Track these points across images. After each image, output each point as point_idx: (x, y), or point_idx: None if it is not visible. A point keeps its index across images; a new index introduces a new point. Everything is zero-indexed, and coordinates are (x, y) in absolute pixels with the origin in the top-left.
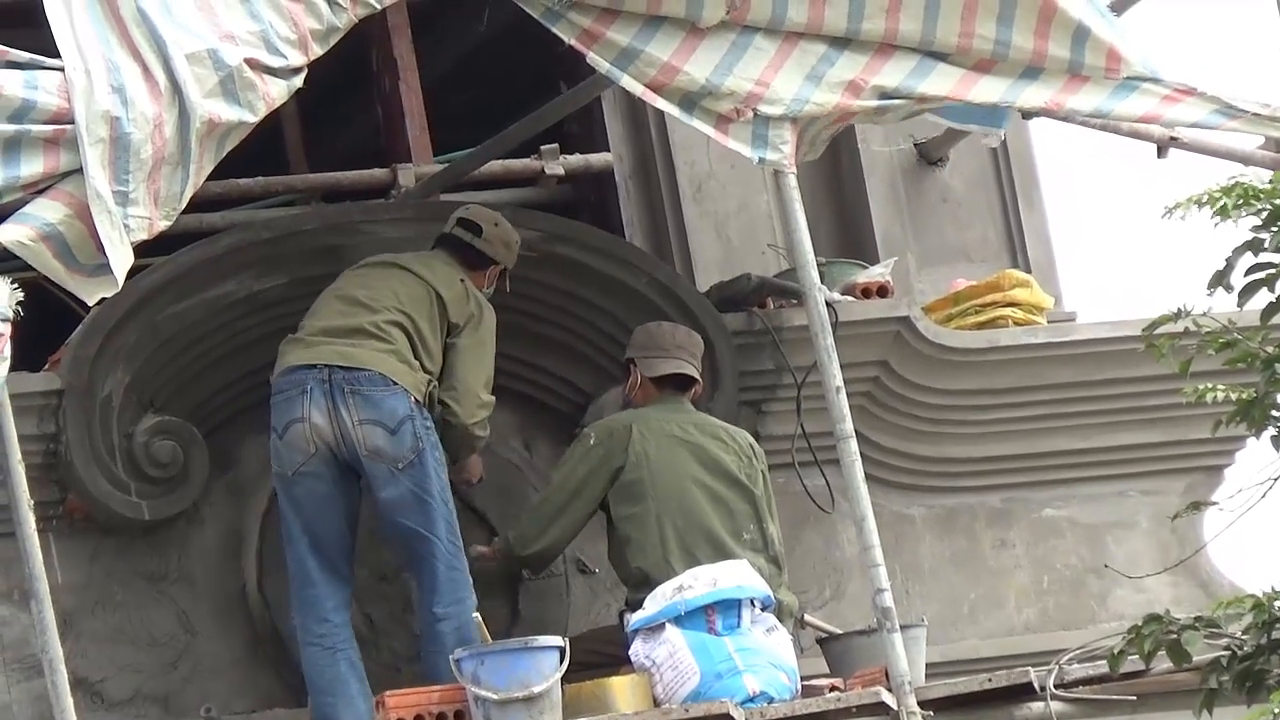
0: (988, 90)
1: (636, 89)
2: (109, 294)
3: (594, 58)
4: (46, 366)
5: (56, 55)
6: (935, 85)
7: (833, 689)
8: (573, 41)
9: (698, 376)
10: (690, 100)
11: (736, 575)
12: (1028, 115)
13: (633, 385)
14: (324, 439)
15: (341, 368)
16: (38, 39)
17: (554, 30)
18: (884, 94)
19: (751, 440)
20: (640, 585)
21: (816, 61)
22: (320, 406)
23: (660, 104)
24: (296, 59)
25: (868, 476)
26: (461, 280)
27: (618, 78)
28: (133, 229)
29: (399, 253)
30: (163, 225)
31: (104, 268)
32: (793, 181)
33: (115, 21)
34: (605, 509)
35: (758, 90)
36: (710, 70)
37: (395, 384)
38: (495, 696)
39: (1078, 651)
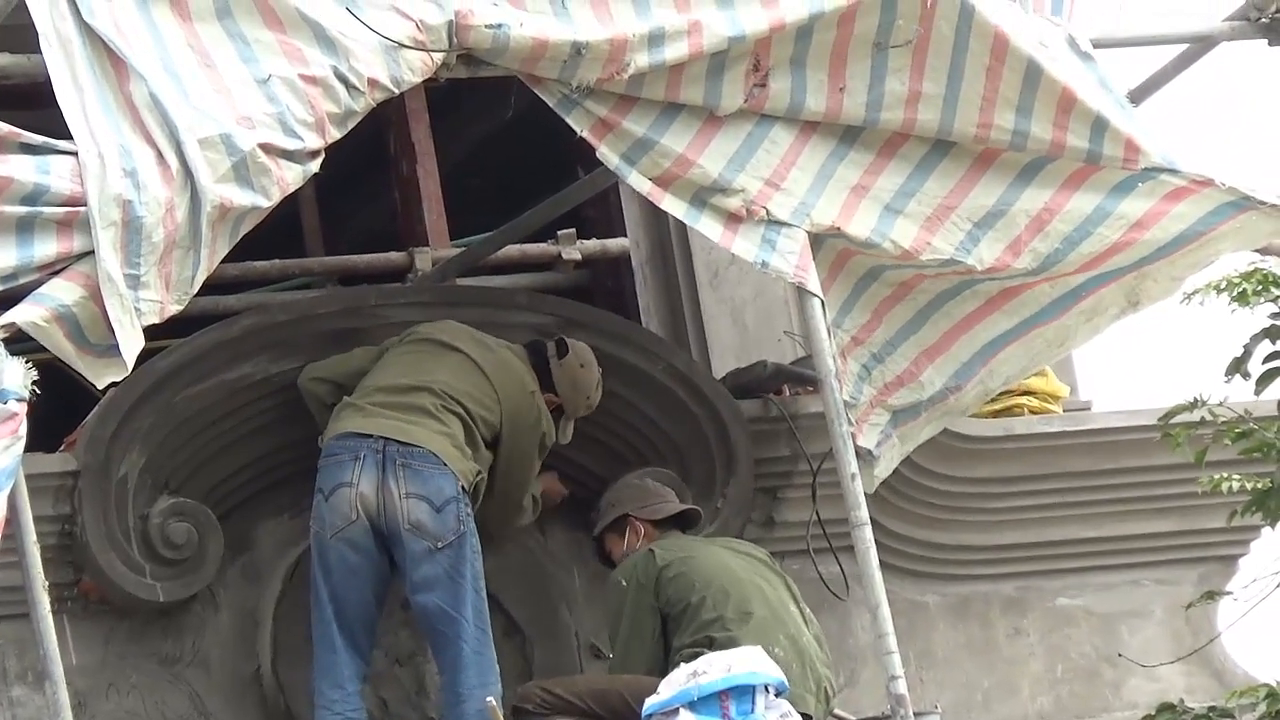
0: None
1: (644, 187)
2: (118, 377)
3: (604, 152)
4: (62, 447)
5: (65, 136)
6: (934, 186)
7: None
8: (584, 133)
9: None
10: (700, 198)
11: (750, 661)
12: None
13: (632, 541)
14: (367, 509)
15: (397, 441)
16: (47, 120)
17: (567, 120)
18: (884, 204)
19: (769, 555)
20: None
21: (826, 158)
22: (370, 476)
23: (667, 204)
24: (313, 142)
25: (882, 564)
26: (532, 392)
27: (626, 174)
28: (144, 312)
29: (476, 331)
30: (174, 309)
31: (114, 349)
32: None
33: (128, 109)
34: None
35: (767, 190)
36: (724, 164)
37: (445, 465)
38: None
39: None
